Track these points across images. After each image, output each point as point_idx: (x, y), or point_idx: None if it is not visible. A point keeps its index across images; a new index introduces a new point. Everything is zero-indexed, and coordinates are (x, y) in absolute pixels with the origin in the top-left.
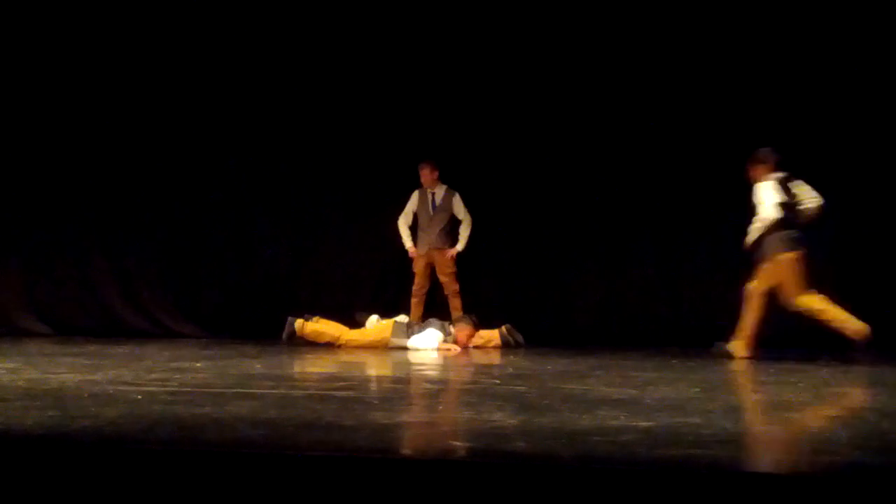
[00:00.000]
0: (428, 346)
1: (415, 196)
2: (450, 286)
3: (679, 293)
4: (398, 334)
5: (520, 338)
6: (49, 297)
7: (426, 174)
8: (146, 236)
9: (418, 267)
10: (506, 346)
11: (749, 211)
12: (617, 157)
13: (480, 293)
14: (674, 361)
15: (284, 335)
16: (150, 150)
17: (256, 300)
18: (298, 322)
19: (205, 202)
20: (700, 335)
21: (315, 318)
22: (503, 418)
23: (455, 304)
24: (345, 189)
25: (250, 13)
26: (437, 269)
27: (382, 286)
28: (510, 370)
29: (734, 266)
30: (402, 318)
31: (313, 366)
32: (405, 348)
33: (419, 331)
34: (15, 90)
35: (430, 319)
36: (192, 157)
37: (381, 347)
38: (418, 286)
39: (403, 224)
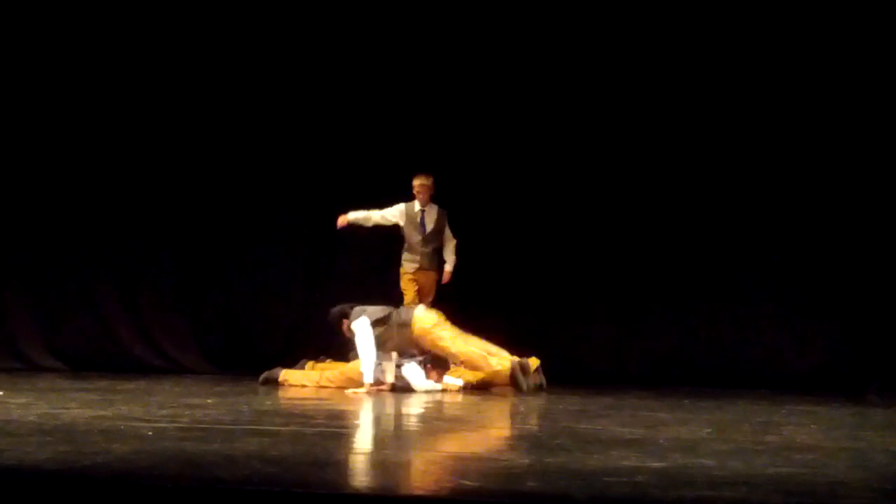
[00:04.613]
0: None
1: (401, 209)
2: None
3: (693, 333)
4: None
5: (531, 381)
6: (61, 332)
7: (426, 187)
8: (158, 272)
9: (412, 290)
10: (515, 385)
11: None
12: (630, 194)
13: (491, 330)
14: (686, 401)
15: (263, 378)
16: (164, 186)
17: (268, 336)
18: (283, 373)
19: (218, 238)
20: (714, 375)
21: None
22: (515, 457)
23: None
24: (358, 228)
25: (268, 46)
26: (420, 290)
27: None
28: (521, 409)
29: (748, 305)
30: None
31: (324, 403)
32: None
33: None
34: (25, 122)
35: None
36: (207, 194)
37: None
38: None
39: (368, 215)
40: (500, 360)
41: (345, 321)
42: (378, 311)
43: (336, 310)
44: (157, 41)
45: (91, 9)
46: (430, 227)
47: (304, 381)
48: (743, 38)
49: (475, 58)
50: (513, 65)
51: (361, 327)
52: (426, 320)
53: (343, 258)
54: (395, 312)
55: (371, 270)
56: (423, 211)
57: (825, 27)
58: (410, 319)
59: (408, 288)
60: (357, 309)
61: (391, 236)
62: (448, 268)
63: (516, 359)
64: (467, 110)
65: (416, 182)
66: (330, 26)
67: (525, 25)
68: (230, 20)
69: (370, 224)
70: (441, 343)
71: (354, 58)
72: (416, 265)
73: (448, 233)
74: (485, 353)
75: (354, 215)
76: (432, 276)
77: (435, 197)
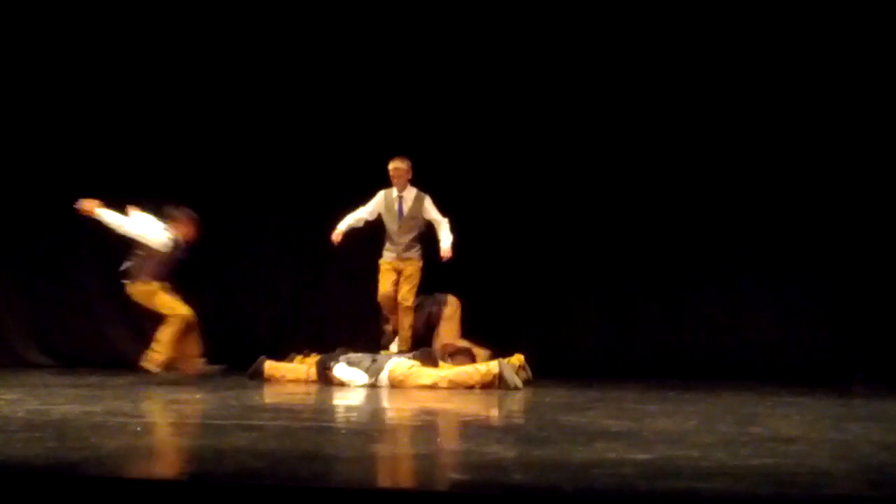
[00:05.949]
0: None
1: (380, 197)
2: (407, 299)
3: (680, 326)
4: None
5: (517, 378)
6: (51, 328)
7: (401, 171)
8: None
9: (387, 281)
10: (504, 384)
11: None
12: (620, 188)
13: (479, 323)
14: (672, 394)
15: (251, 372)
16: (155, 184)
17: (257, 332)
18: (268, 363)
19: (208, 234)
20: (700, 368)
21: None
22: (502, 451)
23: (405, 322)
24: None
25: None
26: (400, 278)
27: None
28: (508, 402)
29: (734, 298)
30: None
31: (313, 397)
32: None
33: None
34: (24, 120)
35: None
36: (196, 190)
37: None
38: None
39: (358, 216)
40: (484, 363)
41: (328, 372)
42: (358, 358)
43: (320, 360)
44: (155, 44)
45: (96, 17)
46: (406, 212)
47: (290, 375)
48: (742, 38)
49: (469, 56)
50: (510, 62)
51: (342, 372)
52: (397, 371)
53: (334, 256)
54: (372, 366)
55: (361, 268)
56: (400, 197)
57: (825, 27)
58: (384, 378)
59: (383, 279)
60: (338, 359)
61: (379, 233)
62: (445, 244)
63: (502, 360)
64: (462, 104)
65: (391, 167)
66: (327, 26)
67: (520, 20)
68: (224, 27)
69: (363, 224)
70: (420, 381)
71: (350, 58)
72: (394, 254)
73: (435, 215)
74: (468, 365)
75: (345, 224)
76: (413, 263)
77: (422, 186)
